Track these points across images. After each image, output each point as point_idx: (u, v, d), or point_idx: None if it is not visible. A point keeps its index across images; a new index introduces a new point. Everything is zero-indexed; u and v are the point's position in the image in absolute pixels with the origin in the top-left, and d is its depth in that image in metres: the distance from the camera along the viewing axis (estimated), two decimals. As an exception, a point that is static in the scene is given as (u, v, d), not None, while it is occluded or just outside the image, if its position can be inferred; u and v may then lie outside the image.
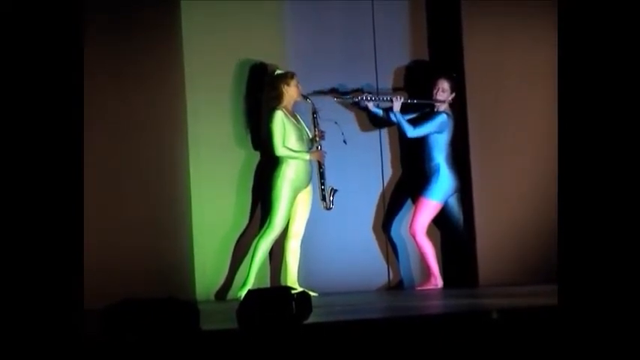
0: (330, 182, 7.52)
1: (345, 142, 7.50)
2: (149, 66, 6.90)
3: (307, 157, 7.35)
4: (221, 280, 7.55)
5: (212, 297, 7.51)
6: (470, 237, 7.72)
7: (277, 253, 7.54)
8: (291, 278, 7.36)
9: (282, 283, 7.41)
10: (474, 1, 7.68)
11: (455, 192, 7.68)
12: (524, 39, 7.71)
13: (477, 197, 7.70)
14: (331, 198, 7.46)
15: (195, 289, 7.29)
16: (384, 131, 7.96)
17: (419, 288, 7.68)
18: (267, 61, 7.65)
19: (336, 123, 7.49)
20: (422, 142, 7.68)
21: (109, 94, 6.48)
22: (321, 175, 7.47)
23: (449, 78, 7.68)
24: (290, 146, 7.30)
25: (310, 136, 7.46)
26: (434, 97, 7.66)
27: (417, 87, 7.83)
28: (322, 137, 7.46)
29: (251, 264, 7.29)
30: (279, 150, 7.29)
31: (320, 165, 7.46)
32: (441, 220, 7.83)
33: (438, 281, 7.61)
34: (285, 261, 7.44)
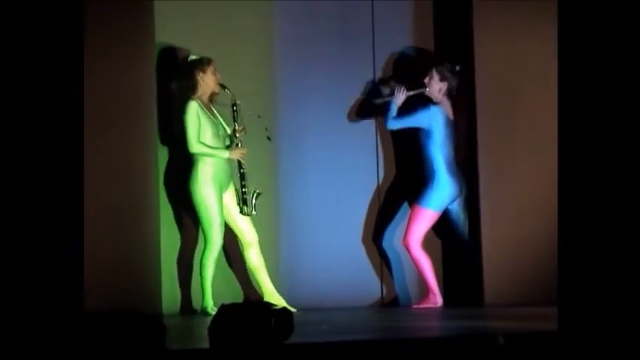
0: (319, 185, 7.38)
1: (269, 138, 7.10)
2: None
3: (227, 155, 6.88)
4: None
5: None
6: (475, 249, 7.47)
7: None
8: (268, 292, 6.90)
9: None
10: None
11: (456, 198, 7.41)
12: (539, 34, 7.43)
13: (484, 204, 7.44)
14: (254, 202, 6.98)
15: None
16: (380, 130, 7.69)
17: (416, 306, 7.43)
18: (254, 45, 7.40)
19: (259, 117, 7.08)
20: (416, 141, 7.38)
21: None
22: (242, 177, 6.95)
23: (442, 68, 7.40)
24: (205, 142, 6.83)
25: (228, 132, 7.00)
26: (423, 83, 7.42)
27: (415, 76, 7.50)
28: (243, 133, 7.00)
29: (203, 284, 6.83)
30: (195, 146, 6.81)
31: (241, 165, 6.99)
32: (443, 228, 7.56)
33: (437, 299, 7.36)
34: (254, 277, 7.01)
